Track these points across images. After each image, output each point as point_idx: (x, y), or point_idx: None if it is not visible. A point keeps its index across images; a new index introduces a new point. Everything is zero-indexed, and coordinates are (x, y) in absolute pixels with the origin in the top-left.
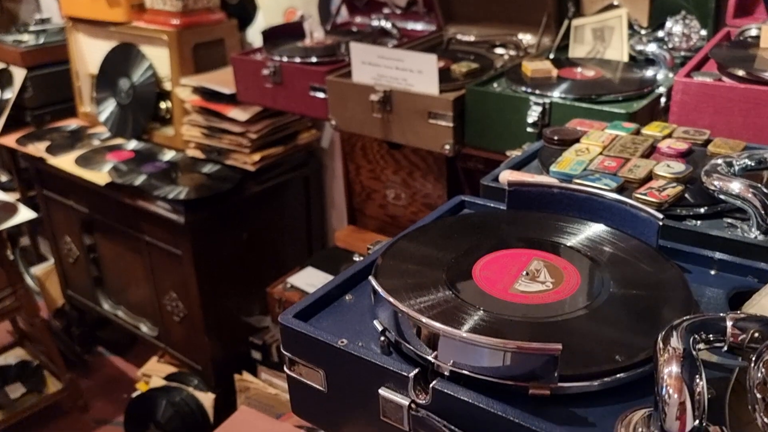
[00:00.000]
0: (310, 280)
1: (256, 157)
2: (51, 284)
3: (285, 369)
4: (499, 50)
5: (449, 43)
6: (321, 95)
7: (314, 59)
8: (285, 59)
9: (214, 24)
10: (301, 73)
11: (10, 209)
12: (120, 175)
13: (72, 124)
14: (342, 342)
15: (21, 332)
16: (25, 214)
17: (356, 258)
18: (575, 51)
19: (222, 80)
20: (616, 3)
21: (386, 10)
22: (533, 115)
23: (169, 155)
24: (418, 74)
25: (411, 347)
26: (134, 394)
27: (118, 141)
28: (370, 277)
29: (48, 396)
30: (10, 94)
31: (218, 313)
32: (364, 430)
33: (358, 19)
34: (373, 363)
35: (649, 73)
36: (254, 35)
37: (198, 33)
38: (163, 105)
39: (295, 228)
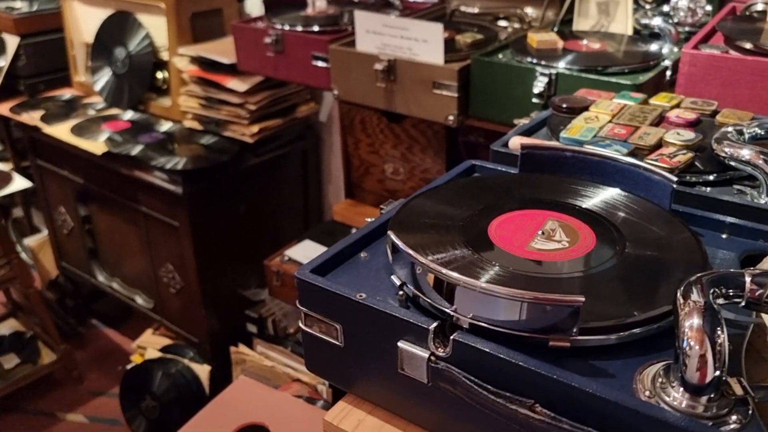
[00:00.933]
0: (308, 253)
1: (255, 128)
2: (44, 256)
3: (300, 325)
4: (502, 23)
5: (452, 14)
6: (323, 65)
7: (317, 28)
8: (287, 28)
9: None
10: (303, 42)
11: (4, 178)
12: (116, 145)
13: (66, 93)
14: (361, 296)
15: (14, 303)
16: (19, 183)
17: (354, 230)
18: (579, 24)
19: (221, 50)
20: None
21: None
22: (539, 85)
23: (166, 126)
24: (423, 43)
25: (429, 300)
26: (129, 366)
27: (114, 111)
28: (389, 231)
29: (42, 366)
30: (2, 63)
31: (215, 285)
32: (379, 384)
33: None
34: (392, 316)
35: (654, 46)
36: (252, 6)
37: (196, 2)
38: (159, 75)
39: (292, 201)
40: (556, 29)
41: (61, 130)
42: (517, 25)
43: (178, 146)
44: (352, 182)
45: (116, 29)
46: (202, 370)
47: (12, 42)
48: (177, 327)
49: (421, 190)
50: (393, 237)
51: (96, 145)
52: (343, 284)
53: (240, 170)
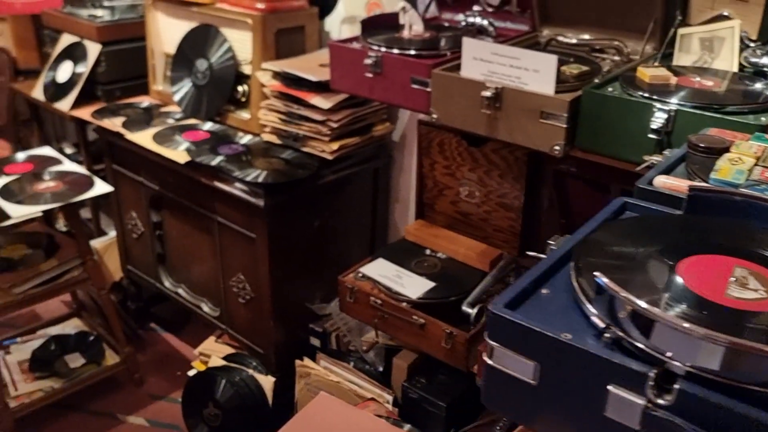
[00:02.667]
0: (382, 271)
1: (335, 146)
2: (109, 258)
3: (485, 358)
4: (599, 54)
5: (548, 43)
6: (423, 88)
7: (416, 51)
8: (387, 50)
9: (296, 10)
10: (403, 65)
11: (86, 182)
12: (197, 155)
13: (144, 101)
14: (566, 336)
15: (79, 303)
16: (100, 188)
17: (428, 252)
18: (680, 59)
19: (302, 67)
20: (726, 14)
21: (476, 8)
22: (657, 121)
23: (244, 138)
24: (534, 73)
25: (641, 345)
26: (190, 372)
27: (192, 121)
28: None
29: (106, 368)
30: (83, 68)
31: (284, 298)
32: (574, 425)
33: (447, 15)
34: (602, 359)
35: (763, 85)
36: (332, 24)
37: (281, 18)
38: (239, 88)
39: (359, 218)
40: (656, 63)
41: (144, 138)
42: (616, 58)
43: (258, 159)
44: (424, 203)
45: (199, 41)
46: (266, 381)
47: (93, 49)
48: (242, 337)
49: (587, 228)
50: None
51: (178, 154)
52: (536, 322)
53: (316, 186)
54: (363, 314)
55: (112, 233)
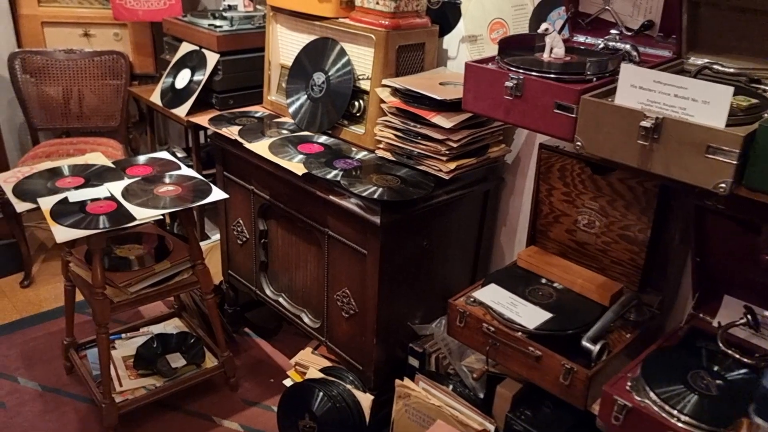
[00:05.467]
0: (495, 297)
1: (452, 165)
2: (210, 261)
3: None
4: (757, 86)
5: (700, 71)
6: (567, 114)
7: (559, 75)
8: (529, 73)
9: (418, 27)
10: (547, 89)
11: (203, 189)
12: (313, 167)
13: (258, 110)
14: None
15: (180, 303)
16: (216, 194)
17: (543, 281)
18: None
19: (424, 84)
20: None
21: (614, 31)
22: None
23: (359, 153)
24: (703, 105)
25: None
26: (285, 381)
27: (305, 133)
28: None
29: (206, 370)
30: (201, 76)
31: (387, 315)
32: None
33: (580, 38)
34: None
35: None
36: (450, 43)
37: (403, 35)
38: (355, 103)
39: (464, 240)
40: None
41: (260, 148)
42: None
43: (373, 175)
44: (538, 229)
45: (318, 54)
46: (365, 398)
47: (212, 58)
48: (341, 351)
49: None
50: None
51: (295, 165)
52: None
53: (429, 205)
54: (472, 340)
55: (215, 237)
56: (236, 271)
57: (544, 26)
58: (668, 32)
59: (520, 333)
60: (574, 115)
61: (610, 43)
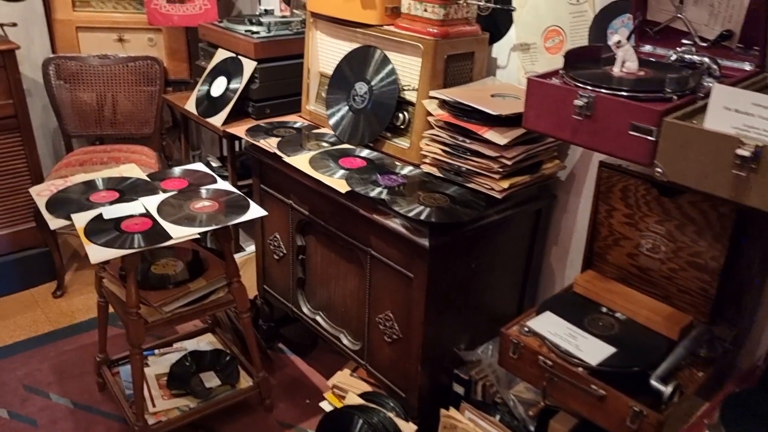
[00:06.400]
0: (552, 327)
1: (505, 184)
2: (244, 274)
3: None
4: None
5: None
6: (645, 137)
7: (633, 93)
8: (601, 90)
9: (468, 36)
10: (622, 109)
11: (242, 205)
12: (356, 184)
13: (296, 120)
14: None
15: (214, 319)
16: (254, 211)
17: (604, 311)
18: None
19: (474, 97)
20: None
21: (686, 41)
22: None
23: (404, 169)
24: None
25: None
26: (322, 404)
27: (346, 146)
28: None
29: (240, 391)
30: (238, 84)
31: (433, 341)
32: None
33: (647, 48)
34: None
35: None
36: (500, 51)
37: (452, 44)
38: (399, 115)
39: (513, 261)
40: None
41: (301, 162)
42: None
43: (420, 193)
44: (595, 252)
45: (361, 63)
46: (408, 428)
47: (249, 65)
48: (383, 375)
49: None
50: None
51: (338, 182)
52: None
53: (479, 225)
54: (527, 373)
55: (250, 249)
56: (272, 286)
57: (616, 38)
58: (750, 43)
59: (581, 369)
60: (653, 138)
61: (686, 56)
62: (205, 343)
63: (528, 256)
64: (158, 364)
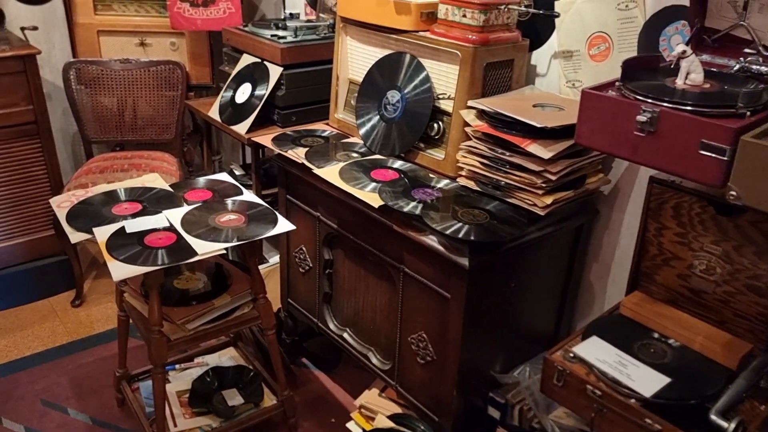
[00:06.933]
0: (600, 353)
1: (548, 200)
2: (266, 287)
3: None
4: None
5: None
6: (718, 156)
7: (700, 108)
8: (665, 104)
9: (508, 42)
10: (691, 125)
11: (269, 218)
12: (390, 198)
13: (324, 129)
14: None
15: (236, 333)
16: (283, 226)
17: (655, 336)
18: None
19: (515, 107)
20: None
21: (749, 50)
22: None
23: (440, 182)
24: None
25: None
26: (348, 424)
27: (377, 157)
28: None
29: (264, 410)
30: (263, 91)
31: (469, 363)
32: None
33: (705, 58)
34: None
35: None
36: (540, 58)
37: (492, 52)
38: (434, 125)
39: (551, 278)
40: None
41: (331, 174)
42: None
43: (458, 208)
44: (642, 271)
45: (393, 71)
46: None
47: (274, 71)
48: (414, 398)
49: None
50: None
51: (371, 196)
52: None
53: (521, 243)
54: (572, 403)
55: (273, 260)
56: (296, 299)
57: (680, 48)
58: None
59: (633, 400)
60: (726, 158)
61: (753, 66)
62: (227, 357)
63: (567, 274)
64: (179, 380)
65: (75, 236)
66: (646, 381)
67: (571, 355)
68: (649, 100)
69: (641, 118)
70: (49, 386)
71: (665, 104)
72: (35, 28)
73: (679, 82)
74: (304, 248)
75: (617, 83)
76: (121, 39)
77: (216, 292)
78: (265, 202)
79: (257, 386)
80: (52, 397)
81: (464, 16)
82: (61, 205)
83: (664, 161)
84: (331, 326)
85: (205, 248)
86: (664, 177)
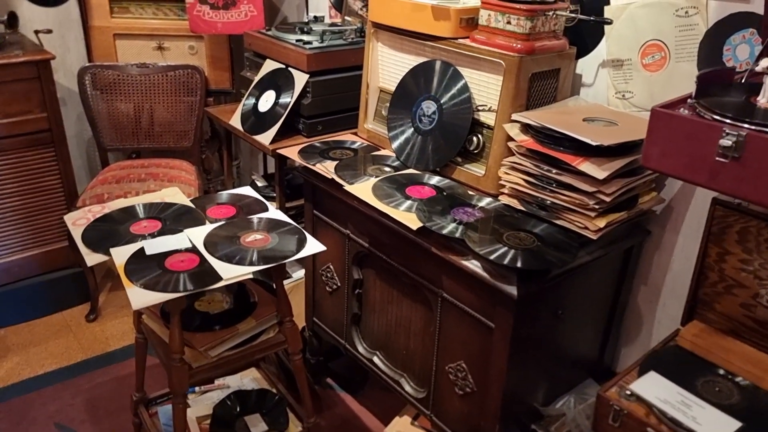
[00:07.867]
0: (661, 392)
1: (601, 222)
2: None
3: None
4: None
5: None
6: None
7: None
8: (747, 126)
9: (554, 51)
10: None
11: (297, 238)
12: (429, 219)
13: (353, 140)
14: None
15: None
16: (312, 247)
17: (721, 373)
18: None
19: (564, 121)
20: None
21: None
22: None
23: (481, 200)
24: None
25: None
26: None
27: (411, 171)
28: None
29: None
30: (288, 99)
31: (512, 395)
32: None
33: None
34: None
35: None
36: (586, 67)
37: (537, 61)
38: (473, 138)
39: (598, 303)
40: None
41: (364, 191)
42: None
43: (503, 231)
44: (700, 298)
45: (429, 80)
46: None
47: (300, 78)
48: (451, 430)
49: None
50: None
51: (408, 216)
52: None
53: (570, 269)
54: None
55: (297, 275)
56: (322, 319)
57: (765, 62)
58: None
59: None
60: None
61: None
62: (249, 379)
63: (614, 297)
64: (199, 404)
65: (91, 258)
66: (714, 425)
67: (629, 392)
68: (728, 121)
69: (725, 142)
70: (63, 408)
71: (751, 126)
72: (49, 32)
73: (762, 100)
74: (331, 266)
75: (690, 100)
76: (138, 42)
77: (239, 314)
78: (290, 215)
79: (281, 411)
80: (65, 420)
81: (509, 22)
82: (77, 222)
83: (750, 190)
84: (360, 349)
85: (230, 272)
86: (728, 199)
